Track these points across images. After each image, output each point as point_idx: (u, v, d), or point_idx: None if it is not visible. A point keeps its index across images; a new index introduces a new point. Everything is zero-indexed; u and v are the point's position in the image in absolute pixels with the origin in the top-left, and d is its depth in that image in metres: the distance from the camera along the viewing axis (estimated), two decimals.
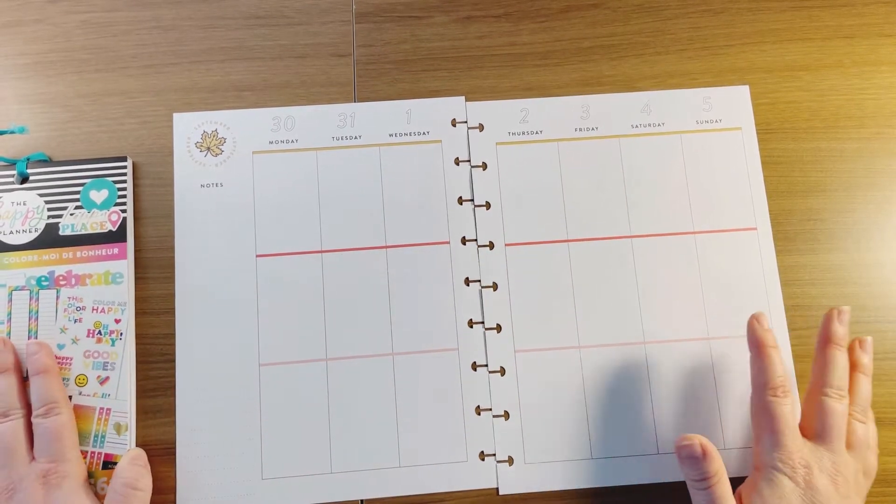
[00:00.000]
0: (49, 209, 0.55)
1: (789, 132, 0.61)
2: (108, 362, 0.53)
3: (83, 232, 0.55)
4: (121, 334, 0.54)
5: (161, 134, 0.59)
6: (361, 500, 0.53)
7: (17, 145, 0.58)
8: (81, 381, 0.53)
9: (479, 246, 0.58)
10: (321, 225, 0.57)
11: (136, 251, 0.56)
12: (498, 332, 0.57)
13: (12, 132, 0.57)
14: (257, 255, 0.57)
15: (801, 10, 0.63)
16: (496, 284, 0.57)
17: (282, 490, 0.53)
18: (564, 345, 0.56)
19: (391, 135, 0.59)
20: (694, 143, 0.60)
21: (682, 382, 0.56)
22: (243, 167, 0.58)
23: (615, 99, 0.61)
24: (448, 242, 0.58)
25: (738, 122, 0.61)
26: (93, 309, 0.54)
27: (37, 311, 0.54)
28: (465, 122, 0.60)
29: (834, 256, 0.58)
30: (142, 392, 0.54)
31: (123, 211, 0.56)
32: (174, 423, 0.54)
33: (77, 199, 0.56)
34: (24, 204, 0.55)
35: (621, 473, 0.54)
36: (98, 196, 0.56)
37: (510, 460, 0.55)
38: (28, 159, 0.56)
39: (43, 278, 0.54)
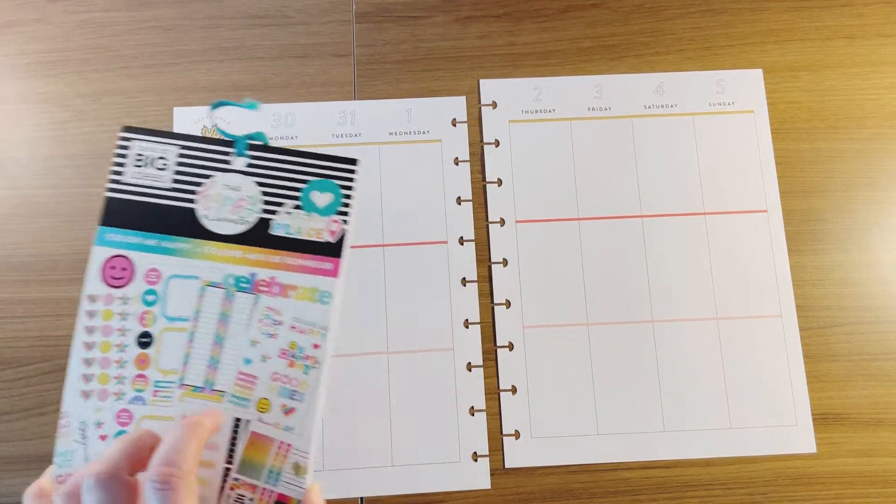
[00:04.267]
0: (264, 202, 0.47)
1: (790, 132, 0.60)
2: (296, 391, 0.45)
3: (297, 236, 0.46)
4: (317, 362, 0.45)
5: None
6: (361, 499, 0.53)
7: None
8: (264, 406, 0.44)
9: (489, 222, 0.58)
10: None
11: None
12: (507, 307, 0.57)
13: (244, 107, 0.47)
14: None
15: (802, 10, 0.63)
16: (506, 260, 0.58)
17: None
18: (573, 321, 0.57)
19: (391, 133, 0.59)
20: (706, 125, 0.60)
21: (690, 362, 0.56)
22: None
23: (629, 79, 0.61)
24: (446, 242, 0.57)
25: (750, 105, 0.61)
26: (291, 327, 0.45)
27: (228, 315, 0.45)
28: (465, 122, 0.60)
29: (834, 256, 0.58)
30: None
31: (346, 221, 0.47)
32: None
33: (297, 198, 0.47)
34: (239, 190, 0.47)
35: (627, 449, 0.55)
36: (321, 199, 0.47)
37: (517, 434, 0.55)
38: (250, 137, 0.47)
39: (243, 279, 0.46)
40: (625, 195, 0.59)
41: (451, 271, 0.57)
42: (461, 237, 0.58)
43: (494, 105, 0.60)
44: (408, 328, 0.56)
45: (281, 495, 0.44)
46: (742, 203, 0.59)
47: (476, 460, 0.54)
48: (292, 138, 0.59)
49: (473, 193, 0.59)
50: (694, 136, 0.60)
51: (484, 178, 0.59)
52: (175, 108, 0.59)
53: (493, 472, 0.54)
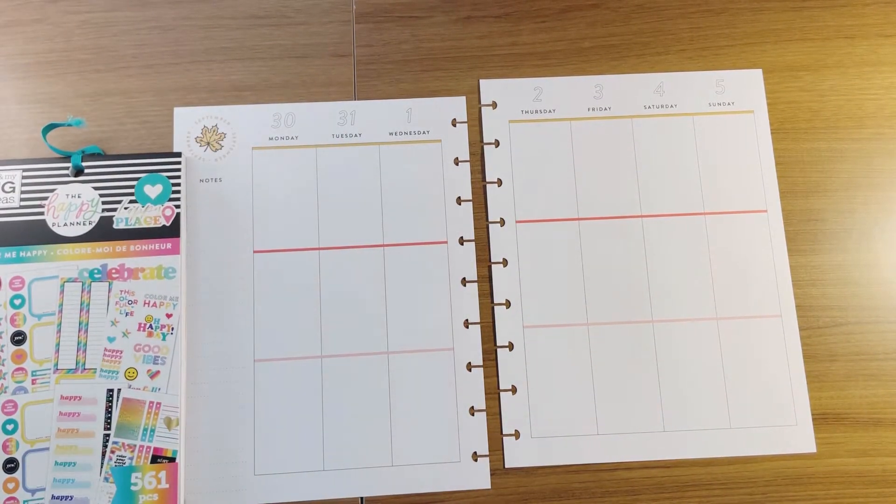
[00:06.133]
0: (103, 202, 0.55)
1: (790, 132, 0.60)
2: (158, 356, 0.53)
3: (137, 226, 0.55)
4: (172, 329, 0.53)
5: (161, 134, 0.59)
6: (361, 499, 0.53)
7: (69, 138, 0.58)
8: (131, 374, 0.52)
9: (489, 222, 0.58)
10: (319, 222, 0.57)
11: None
12: (507, 307, 0.57)
13: (69, 125, 0.57)
14: (254, 251, 0.57)
15: (802, 10, 0.63)
16: (506, 260, 0.58)
17: (274, 486, 0.53)
18: (573, 321, 0.57)
19: (391, 133, 0.59)
20: (706, 125, 0.60)
21: (689, 362, 0.56)
22: (243, 163, 0.58)
23: (629, 79, 0.61)
24: (446, 242, 0.58)
25: (750, 105, 0.61)
26: (144, 303, 0.54)
27: (88, 304, 0.53)
28: (465, 122, 0.60)
29: (834, 256, 0.58)
30: None
31: (177, 206, 0.55)
32: None
33: (131, 193, 0.55)
34: (79, 196, 0.55)
35: (627, 449, 0.55)
36: (152, 191, 0.56)
37: (517, 434, 0.55)
38: (83, 152, 0.56)
39: (95, 271, 0.54)
40: (625, 195, 0.59)
41: (451, 271, 0.57)
42: (461, 237, 0.58)
43: (494, 105, 0.60)
44: (407, 328, 0.56)
45: (157, 448, 0.51)
46: (742, 203, 0.59)
47: (476, 460, 0.54)
48: (292, 138, 0.59)
49: (473, 193, 0.59)
50: (694, 136, 0.60)
51: (484, 178, 0.59)
52: (175, 108, 0.59)
53: (493, 472, 0.54)
